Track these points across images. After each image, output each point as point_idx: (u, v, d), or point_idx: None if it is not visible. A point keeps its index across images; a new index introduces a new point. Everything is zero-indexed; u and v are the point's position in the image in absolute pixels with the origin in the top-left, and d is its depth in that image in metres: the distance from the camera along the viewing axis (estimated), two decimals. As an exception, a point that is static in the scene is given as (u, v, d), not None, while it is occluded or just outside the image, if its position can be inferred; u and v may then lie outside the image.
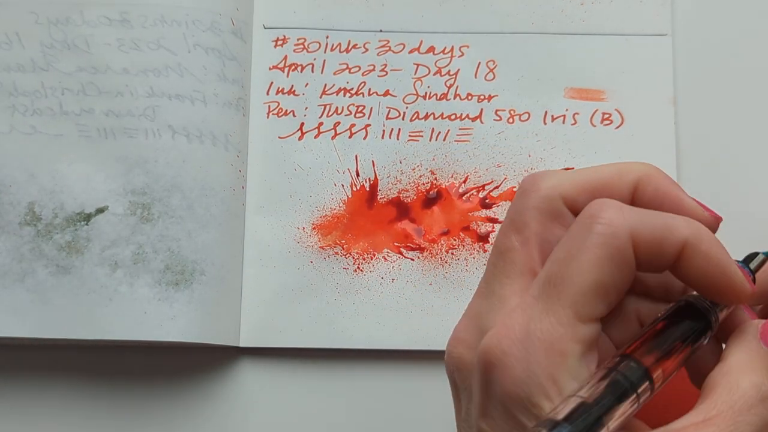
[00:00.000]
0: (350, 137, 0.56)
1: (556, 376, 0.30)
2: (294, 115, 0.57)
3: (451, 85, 0.57)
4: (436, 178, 0.56)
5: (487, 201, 0.56)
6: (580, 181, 0.34)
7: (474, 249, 0.55)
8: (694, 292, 0.34)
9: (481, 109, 0.57)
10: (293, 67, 0.57)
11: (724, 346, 0.34)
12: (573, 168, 0.56)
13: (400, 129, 0.57)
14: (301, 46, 0.58)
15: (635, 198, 0.34)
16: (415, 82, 0.57)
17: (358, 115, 0.57)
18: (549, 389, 0.30)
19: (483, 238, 0.55)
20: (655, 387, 0.32)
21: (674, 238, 0.32)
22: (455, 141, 0.56)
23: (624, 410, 0.30)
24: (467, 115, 0.57)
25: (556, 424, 0.28)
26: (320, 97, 0.57)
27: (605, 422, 0.30)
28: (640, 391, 0.31)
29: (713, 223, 0.35)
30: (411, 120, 0.57)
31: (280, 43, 0.58)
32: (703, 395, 0.31)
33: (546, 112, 0.57)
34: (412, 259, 0.55)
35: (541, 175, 0.35)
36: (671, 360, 0.32)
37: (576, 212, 0.34)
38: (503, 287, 0.33)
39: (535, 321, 0.31)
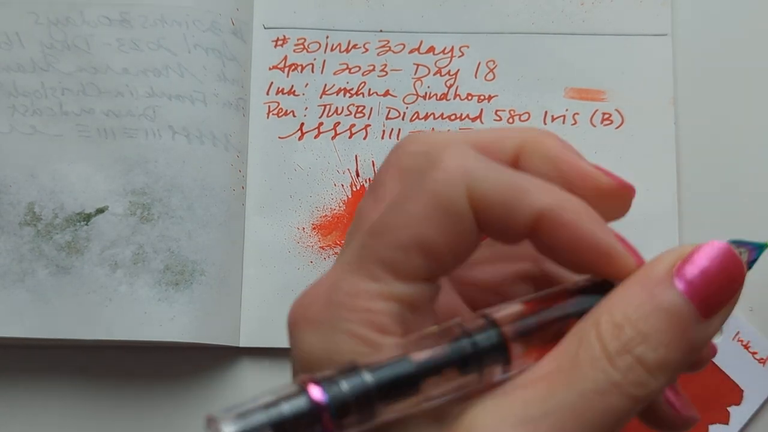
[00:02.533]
0: (350, 137, 0.56)
1: (363, 335, 0.26)
2: (294, 115, 0.57)
3: (451, 85, 0.57)
4: (436, 178, 0.56)
5: (487, 201, 0.56)
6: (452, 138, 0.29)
7: (474, 249, 0.55)
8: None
9: (481, 110, 0.57)
10: (293, 67, 0.57)
11: None
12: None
13: (400, 129, 0.57)
14: (301, 46, 0.58)
15: (519, 168, 0.28)
16: (415, 82, 0.57)
17: (358, 115, 0.57)
18: (356, 348, 0.25)
19: (483, 238, 0.55)
20: (510, 367, 0.26)
21: (525, 206, 0.26)
22: (455, 141, 0.56)
23: (453, 383, 0.25)
24: (467, 116, 0.57)
25: (331, 378, 0.24)
26: (320, 97, 0.57)
27: (422, 388, 0.24)
28: (485, 365, 0.25)
29: (618, 190, 0.29)
30: (411, 120, 0.57)
31: (280, 43, 0.58)
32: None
33: (546, 112, 0.57)
34: (412, 259, 0.55)
35: (416, 136, 0.29)
36: (548, 344, 0.26)
37: None
38: (346, 245, 0.29)
39: (344, 277, 0.27)
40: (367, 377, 0.24)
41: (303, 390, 0.23)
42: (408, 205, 0.26)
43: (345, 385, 0.23)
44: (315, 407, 0.23)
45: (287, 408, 0.23)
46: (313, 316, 0.27)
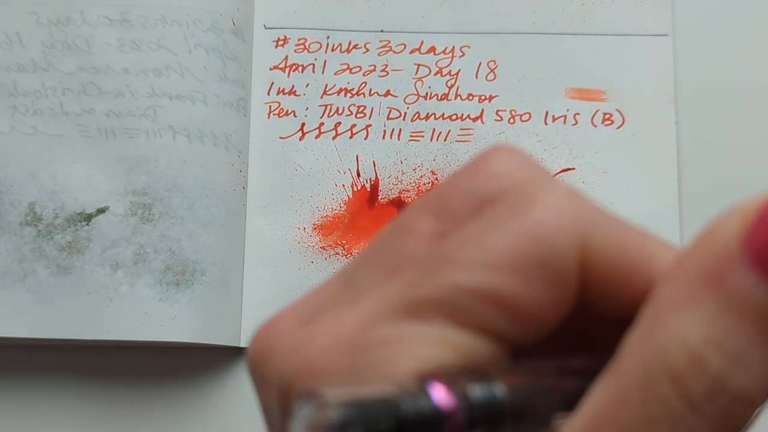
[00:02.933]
0: (351, 137, 0.56)
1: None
2: (295, 116, 0.57)
3: (452, 86, 0.57)
4: (437, 179, 0.56)
5: (488, 201, 0.56)
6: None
7: (475, 249, 0.55)
8: None
9: (482, 110, 0.57)
10: (294, 67, 0.57)
11: None
12: (574, 168, 0.56)
13: (401, 129, 0.57)
14: (302, 47, 0.58)
15: None
16: (415, 82, 0.57)
17: (359, 115, 0.57)
18: None
19: (484, 239, 0.55)
20: None
21: (648, 274, 0.20)
22: (456, 141, 0.56)
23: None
24: (468, 116, 0.57)
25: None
26: (321, 98, 0.57)
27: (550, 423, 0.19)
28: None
29: None
30: (412, 120, 0.57)
31: (280, 43, 0.58)
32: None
33: (547, 113, 0.57)
34: (413, 260, 0.55)
35: (505, 151, 0.21)
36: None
37: None
38: (372, 275, 0.20)
39: (376, 319, 0.19)
40: (499, 390, 0.18)
41: (422, 389, 0.18)
42: (489, 240, 0.19)
43: (477, 392, 0.18)
44: (439, 413, 0.17)
45: (410, 404, 0.17)
46: (330, 367, 0.19)
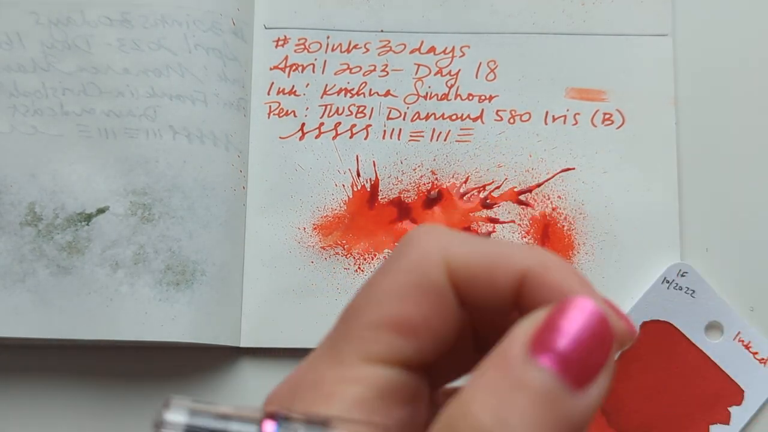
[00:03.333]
0: (351, 137, 0.56)
1: None
2: (295, 116, 0.57)
3: (452, 86, 0.57)
4: (437, 179, 0.56)
5: (488, 201, 0.56)
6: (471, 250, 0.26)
7: (475, 249, 0.55)
8: None
9: (482, 110, 0.57)
10: (294, 67, 0.57)
11: None
12: (574, 168, 0.56)
13: (401, 129, 0.57)
14: (302, 47, 0.58)
15: (522, 303, 0.25)
16: (415, 82, 0.57)
17: (359, 115, 0.57)
18: None
19: (484, 239, 0.55)
20: None
21: (508, 268, 0.25)
22: (456, 141, 0.56)
23: None
24: (468, 116, 0.57)
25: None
26: (321, 98, 0.57)
27: None
28: None
29: (626, 336, 0.25)
30: (412, 120, 0.57)
31: (280, 43, 0.58)
32: None
33: (547, 113, 0.57)
34: (413, 260, 0.55)
35: (428, 230, 0.26)
36: None
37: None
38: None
39: (310, 364, 0.25)
40: None
41: (260, 420, 0.22)
42: (382, 283, 0.25)
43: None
44: None
45: (235, 428, 0.22)
46: (280, 402, 0.25)
